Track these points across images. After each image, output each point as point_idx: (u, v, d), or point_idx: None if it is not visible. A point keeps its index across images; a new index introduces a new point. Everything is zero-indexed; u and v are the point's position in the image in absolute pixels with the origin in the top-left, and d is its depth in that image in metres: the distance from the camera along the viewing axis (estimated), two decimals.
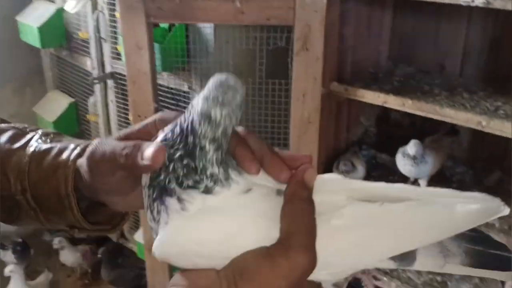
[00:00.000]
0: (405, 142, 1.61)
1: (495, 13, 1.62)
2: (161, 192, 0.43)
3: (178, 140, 0.43)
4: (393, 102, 1.52)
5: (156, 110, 1.62)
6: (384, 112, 1.99)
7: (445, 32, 1.78)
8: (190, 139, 0.42)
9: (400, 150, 1.61)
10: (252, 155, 0.44)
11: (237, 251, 0.42)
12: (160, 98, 1.69)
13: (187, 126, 0.42)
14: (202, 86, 1.73)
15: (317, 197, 0.44)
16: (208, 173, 0.42)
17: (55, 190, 0.52)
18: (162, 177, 0.43)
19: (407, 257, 0.44)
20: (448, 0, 1.33)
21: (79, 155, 0.53)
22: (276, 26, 1.53)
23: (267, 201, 0.44)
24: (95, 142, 0.49)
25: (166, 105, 1.81)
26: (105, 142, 0.48)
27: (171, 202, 0.43)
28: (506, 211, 0.41)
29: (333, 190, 0.45)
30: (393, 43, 1.88)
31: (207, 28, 1.64)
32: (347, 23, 1.62)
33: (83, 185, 0.52)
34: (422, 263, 0.44)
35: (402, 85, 1.68)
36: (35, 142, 0.56)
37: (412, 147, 1.57)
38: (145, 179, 0.45)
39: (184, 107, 1.83)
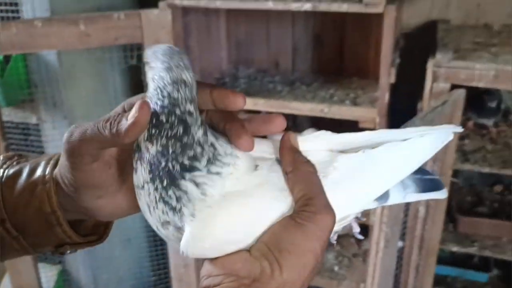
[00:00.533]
0: None
1: (315, 13, 1.86)
2: (171, 178, 0.42)
3: (164, 118, 0.42)
4: (247, 103, 1.64)
5: (7, 149, 1.50)
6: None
7: (275, 33, 1.96)
8: (176, 110, 0.42)
9: None
10: (245, 129, 0.45)
11: (264, 229, 0.43)
12: (9, 135, 1.56)
13: (166, 100, 0.42)
14: (53, 117, 1.65)
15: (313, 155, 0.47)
16: (206, 139, 0.43)
17: (38, 210, 0.50)
18: (163, 163, 0.42)
19: (384, 195, 0.48)
20: (281, 7, 1.48)
21: (54, 166, 0.50)
22: (125, 45, 1.53)
23: (276, 172, 0.45)
24: (70, 128, 0.46)
25: (16, 141, 1.67)
26: (81, 124, 0.46)
27: (189, 187, 0.42)
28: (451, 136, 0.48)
29: (315, 148, 0.48)
30: (231, 48, 2.02)
31: (50, 55, 1.56)
32: (190, 34, 1.70)
33: (64, 195, 0.49)
34: (392, 198, 0.49)
35: (249, 86, 1.82)
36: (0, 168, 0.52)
37: None
38: (141, 177, 0.44)
39: (36, 141, 1.72)
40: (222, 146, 0.44)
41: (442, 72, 1.37)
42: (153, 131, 0.42)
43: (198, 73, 1.79)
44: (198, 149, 0.43)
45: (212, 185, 0.43)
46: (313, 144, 0.48)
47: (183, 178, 0.42)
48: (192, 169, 0.42)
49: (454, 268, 1.92)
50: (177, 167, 0.42)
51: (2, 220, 0.50)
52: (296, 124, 2.04)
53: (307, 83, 1.84)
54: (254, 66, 2.01)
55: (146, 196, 0.44)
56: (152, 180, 0.43)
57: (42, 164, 0.51)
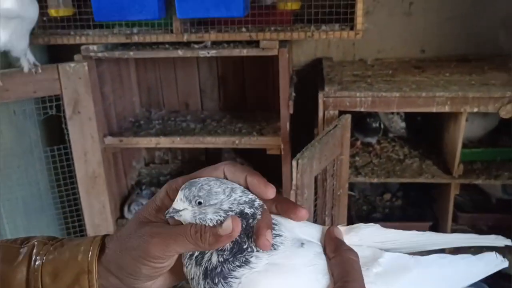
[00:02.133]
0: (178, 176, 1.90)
1: (218, 57, 2.07)
2: (225, 277, 0.48)
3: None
4: (164, 142, 1.79)
5: None
6: (150, 154, 2.26)
7: (182, 77, 2.14)
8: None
9: None
10: (294, 203, 0.52)
11: None
12: None
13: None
14: None
15: (357, 250, 0.50)
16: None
17: None
18: (219, 269, 0.48)
19: None
20: (189, 54, 1.67)
21: (97, 251, 0.53)
22: (43, 96, 1.62)
23: (321, 258, 0.49)
24: (148, 231, 0.50)
25: None
26: (157, 229, 0.50)
27: (239, 270, 0.48)
28: (505, 263, 0.52)
29: (365, 243, 0.52)
30: (143, 93, 2.16)
31: None
32: (105, 83, 1.82)
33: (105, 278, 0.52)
34: None
35: (163, 126, 1.96)
36: (37, 254, 0.53)
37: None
38: (192, 272, 0.50)
39: None
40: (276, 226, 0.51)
41: (330, 101, 1.63)
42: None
43: (114, 118, 1.91)
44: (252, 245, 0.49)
45: (258, 261, 0.48)
46: (358, 238, 0.53)
47: (234, 270, 0.48)
48: (244, 263, 0.48)
49: None
50: (230, 267, 0.48)
51: None
52: (208, 156, 2.22)
53: (217, 120, 2.03)
54: (165, 108, 2.17)
55: (195, 284, 0.50)
56: (205, 279, 0.49)
57: (82, 250, 0.53)
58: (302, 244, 0.50)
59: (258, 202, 0.51)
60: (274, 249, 0.49)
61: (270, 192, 0.51)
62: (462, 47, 2.00)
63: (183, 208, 0.51)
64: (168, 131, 1.90)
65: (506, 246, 0.53)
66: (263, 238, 0.47)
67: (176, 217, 0.51)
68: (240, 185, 0.52)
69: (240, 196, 0.51)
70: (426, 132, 1.97)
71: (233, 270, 0.48)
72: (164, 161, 2.26)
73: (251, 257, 0.48)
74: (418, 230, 0.53)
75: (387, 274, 0.49)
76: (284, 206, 0.52)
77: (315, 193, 1.53)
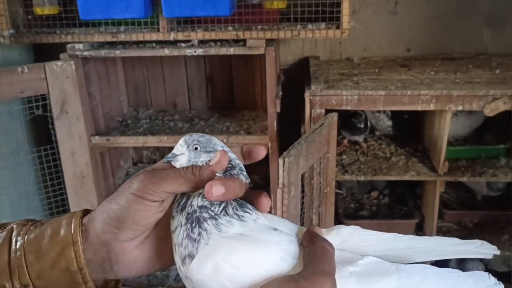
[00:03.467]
0: None
1: (205, 56, 2.07)
2: (199, 221, 0.49)
3: None
4: (152, 141, 1.79)
5: None
6: (138, 153, 2.25)
7: (170, 77, 2.14)
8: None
9: None
10: (265, 195, 0.53)
11: (264, 280, 0.45)
12: None
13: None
14: None
15: (337, 253, 0.49)
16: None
17: (65, 270, 0.51)
18: (198, 213, 0.50)
19: None
20: (176, 53, 1.67)
21: (79, 224, 0.53)
22: (29, 96, 1.61)
23: (293, 244, 0.49)
24: (143, 173, 0.52)
25: None
26: (153, 171, 0.53)
27: (210, 225, 0.49)
28: (500, 287, 0.48)
29: (346, 245, 0.51)
30: (130, 92, 2.15)
31: None
32: (91, 82, 1.81)
33: (88, 250, 0.52)
34: None
35: (151, 126, 1.96)
36: (17, 235, 0.52)
37: None
38: (176, 221, 0.51)
39: None
40: (249, 206, 0.52)
41: (317, 100, 1.64)
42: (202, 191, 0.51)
43: (101, 117, 1.90)
44: (230, 205, 0.51)
45: (230, 226, 0.49)
46: (339, 240, 0.52)
47: (206, 221, 0.50)
48: (216, 216, 0.50)
49: None
50: (207, 215, 0.50)
51: (26, 286, 0.50)
52: None
53: (205, 119, 2.03)
54: (153, 107, 2.17)
55: (175, 237, 0.51)
56: (185, 224, 0.50)
57: (64, 223, 0.53)
58: (276, 229, 0.50)
59: (246, 173, 0.53)
60: (245, 221, 0.50)
61: (261, 151, 0.56)
62: (447, 46, 2.02)
63: (181, 153, 0.54)
64: (155, 130, 1.90)
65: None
66: (263, 196, 0.52)
67: (173, 162, 0.54)
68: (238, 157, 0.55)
69: (235, 158, 0.54)
70: (412, 130, 1.99)
71: (207, 219, 0.49)
72: (152, 161, 2.25)
73: (224, 220, 0.50)
74: (405, 227, 0.52)
75: (363, 275, 0.47)
76: (247, 148, 0.56)
77: (302, 191, 1.54)
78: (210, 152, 0.53)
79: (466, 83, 1.67)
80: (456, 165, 1.78)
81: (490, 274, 0.49)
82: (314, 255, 0.47)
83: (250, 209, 0.52)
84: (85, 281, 0.52)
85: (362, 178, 1.78)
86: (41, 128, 1.74)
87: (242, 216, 0.50)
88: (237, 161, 0.54)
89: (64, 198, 1.77)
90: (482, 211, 1.96)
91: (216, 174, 0.52)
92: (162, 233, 0.55)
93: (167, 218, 0.53)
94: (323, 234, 0.51)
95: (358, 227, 0.53)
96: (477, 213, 1.96)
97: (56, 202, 1.80)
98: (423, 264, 0.49)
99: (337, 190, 2.04)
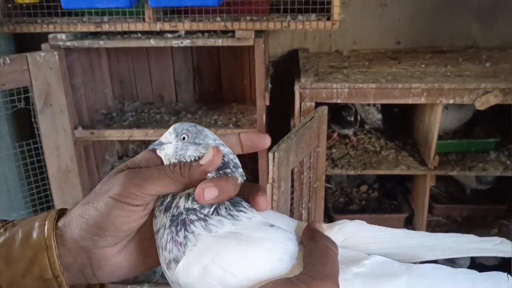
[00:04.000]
0: None
1: (193, 48, 2.03)
2: (184, 224, 0.45)
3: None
4: (138, 134, 1.75)
5: None
6: (123, 147, 2.21)
7: (156, 69, 2.10)
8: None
9: None
10: (262, 192, 0.48)
11: (259, 283, 0.41)
12: None
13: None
14: None
15: (341, 251, 0.44)
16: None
17: (39, 278, 0.46)
18: (184, 216, 0.45)
19: None
20: (162, 44, 1.63)
21: (53, 226, 0.47)
22: (11, 89, 1.56)
23: (292, 242, 0.45)
24: (125, 172, 0.46)
25: None
26: (135, 170, 0.47)
27: (197, 227, 0.45)
28: None
29: (350, 242, 0.47)
30: (115, 84, 2.10)
31: None
32: (75, 74, 1.76)
33: (65, 254, 0.47)
34: None
35: (136, 119, 1.92)
36: None
37: None
38: (159, 222, 0.46)
39: None
40: (244, 204, 0.48)
41: (307, 93, 1.61)
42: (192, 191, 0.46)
43: (85, 110, 1.85)
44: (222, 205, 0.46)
45: (220, 226, 0.45)
46: (342, 236, 0.47)
47: (193, 223, 0.45)
48: (206, 217, 0.45)
49: None
50: (194, 217, 0.45)
51: None
52: None
53: (192, 112, 1.99)
54: (139, 100, 2.12)
55: (158, 240, 0.46)
56: (170, 227, 0.45)
57: (36, 226, 0.47)
58: (272, 225, 0.46)
59: (241, 170, 0.49)
60: (239, 219, 0.46)
61: (267, 139, 0.49)
62: (437, 39, 2.00)
63: (168, 141, 0.49)
64: (141, 123, 1.86)
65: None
66: (259, 195, 0.47)
67: (158, 151, 0.49)
68: (234, 146, 0.50)
69: (229, 153, 0.48)
70: (402, 123, 1.97)
71: (195, 221, 0.45)
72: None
73: (214, 220, 0.45)
74: (394, 221, 0.48)
75: (370, 277, 0.43)
76: (248, 135, 0.50)
77: (292, 186, 1.51)
78: (199, 145, 0.48)
79: (457, 76, 1.65)
80: (446, 159, 1.77)
81: (509, 275, 0.44)
82: (315, 255, 0.42)
83: (245, 207, 0.47)
84: None
85: (352, 172, 1.76)
86: (23, 121, 1.68)
87: (237, 216, 0.46)
88: (231, 156, 0.48)
89: (48, 194, 1.72)
90: (471, 205, 1.95)
91: (208, 174, 0.47)
92: (147, 234, 0.50)
93: (150, 217, 0.49)
94: (325, 230, 0.47)
95: (363, 222, 0.48)
96: (466, 207, 1.96)
97: (40, 199, 1.75)
98: (436, 264, 0.44)
99: (327, 184, 2.02)
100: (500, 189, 1.94)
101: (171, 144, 0.48)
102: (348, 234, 0.47)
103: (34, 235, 0.47)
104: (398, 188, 2.04)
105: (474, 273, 0.45)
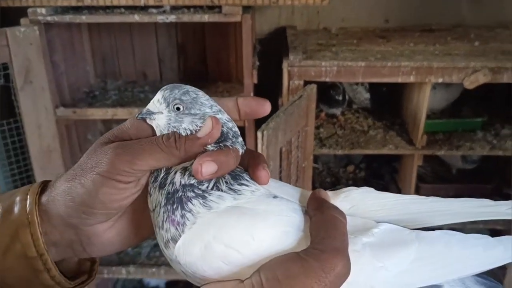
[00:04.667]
0: None
1: (177, 24, 1.98)
2: (181, 202, 0.42)
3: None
4: (121, 113, 1.70)
5: None
6: (106, 126, 2.16)
7: (140, 45, 2.04)
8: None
9: None
10: (263, 164, 0.45)
11: (264, 259, 0.39)
12: None
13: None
14: None
15: (348, 220, 0.42)
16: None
17: (21, 256, 0.43)
18: (181, 193, 0.43)
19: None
20: (146, 19, 1.57)
21: (35, 200, 0.44)
22: None
23: (297, 214, 0.42)
24: (112, 146, 0.43)
25: None
26: (122, 143, 0.43)
27: (196, 204, 0.42)
28: None
29: (357, 210, 0.45)
30: (97, 62, 2.04)
31: None
32: (55, 50, 1.70)
33: (50, 227, 0.44)
34: None
35: (119, 97, 1.87)
36: None
37: None
38: (154, 200, 0.44)
39: None
40: (245, 176, 0.45)
41: (295, 71, 1.58)
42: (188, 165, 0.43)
43: (66, 88, 1.80)
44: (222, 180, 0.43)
45: (221, 201, 0.42)
46: (349, 204, 0.45)
47: (190, 201, 0.42)
48: (204, 194, 0.43)
49: None
50: (192, 194, 0.43)
51: None
52: None
53: None
54: (122, 78, 2.06)
55: (155, 218, 0.44)
56: (165, 205, 0.43)
57: (17, 200, 0.45)
58: (275, 197, 0.43)
59: (241, 139, 0.45)
60: (241, 194, 0.43)
61: (267, 105, 0.46)
62: (426, 17, 1.98)
63: (158, 111, 0.44)
64: (125, 102, 1.81)
65: None
66: (261, 168, 0.44)
67: (148, 120, 0.45)
68: (231, 111, 0.46)
69: (228, 120, 0.45)
70: (390, 103, 1.96)
71: (192, 199, 0.42)
72: None
73: (214, 196, 0.42)
74: None
75: (379, 247, 0.41)
76: (246, 100, 0.47)
77: (280, 165, 1.49)
78: (195, 115, 0.44)
79: (446, 55, 1.64)
80: (433, 139, 1.77)
81: None
82: (323, 227, 0.40)
83: (247, 180, 0.44)
84: (47, 268, 0.44)
85: (339, 152, 1.75)
86: (3, 100, 1.62)
87: (238, 191, 0.43)
88: (230, 124, 0.45)
89: (30, 175, 1.67)
90: (457, 184, 1.96)
91: (206, 148, 0.43)
92: (139, 207, 0.47)
93: (144, 191, 0.46)
94: (330, 198, 0.45)
95: (371, 189, 0.46)
96: (452, 187, 1.96)
97: (22, 180, 1.70)
98: (446, 230, 0.43)
99: (314, 164, 2.01)
100: (486, 168, 1.95)
101: (162, 115, 0.44)
102: (355, 201, 0.46)
103: (15, 210, 0.44)
104: (385, 168, 2.04)
105: (485, 237, 0.43)
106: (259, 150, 1.26)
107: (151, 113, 0.45)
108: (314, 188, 1.83)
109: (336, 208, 0.43)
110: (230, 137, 0.45)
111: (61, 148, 1.66)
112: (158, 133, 0.45)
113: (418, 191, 1.92)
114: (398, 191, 1.91)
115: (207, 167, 0.41)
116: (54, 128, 1.59)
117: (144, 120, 0.45)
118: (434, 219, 0.45)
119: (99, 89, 1.96)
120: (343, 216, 0.42)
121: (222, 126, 0.44)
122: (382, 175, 2.01)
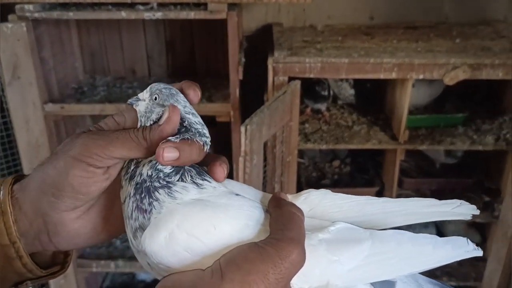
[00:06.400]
0: None
1: (165, 21, 2.00)
2: (148, 191, 0.45)
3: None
4: (110, 109, 1.72)
5: None
6: (95, 122, 2.17)
7: (128, 42, 2.06)
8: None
9: None
10: (222, 162, 0.48)
11: (225, 248, 0.41)
12: None
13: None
14: None
15: (306, 221, 0.45)
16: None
17: None
18: (148, 183, 0.45)
19: (387, 283, 0.46)
20: (133, 16, 1.60)
21: (9, 190, 0.47)
22: None
23: (257, 210, 0.45)
24: (85, 134, 0.46)
25: None
26: (97, 132, 0.46)
27: (162, 194, 0.45)
28: (479, 252, 0.46)
29: (316, 212, 0.48)
30: (86, 58, 2.06)
31: None
32: (43, 46, 1.72)
33: (22, 220, 0.46)
34: None
35: (108, 93, 1.89)
36: None
37: None
38: (126, 192, 0.46)
39: None
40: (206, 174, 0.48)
41: (280, 67, 1.61)
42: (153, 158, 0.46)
43: (55, 84, 1.81)
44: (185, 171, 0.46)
45: (185, 192, 0.45)
46: (308, 206, 0.48)
47: (157, 190, 0.45)
48: (169, 184, 0.45)
49: None
50: (158, 184, 0.45)
51: None
52: None
53: None
54: (111, 74, 2.08)
55: (125, 209, 0.46)
56: (134, 195, 0.45)
57: None
58: (237, 195, 0.46)
59: (208, 140, 0.49)
60: (204, 188, 0.46)
61: (192, 94, 0.49)
62: (410, 15, 2.02)
63: (143, 98, 0.49)
64: (113, 98, 1.83)
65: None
66: (218, 165, 0.47)
67: (134, 106, 0.49)
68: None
69: (197, 122, 0.48)
70: (374, 99, 2.00)
71: (159, 188, 0.45)
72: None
73: (179, 187, 0.45)
74: (366, 194, 0.48)
75: (335, 242, 0.44)
76: (186, 84, 0.50)
77: (265, 159, 1.52)
78: (164, 107, 0.48)
79: (427, 52, 1.68)
80: (416, 134, 1.81)
81: (468, 239, 0.47)
82: (281, 220, 0.43)
83: (210, 178, 0.47)
84: (19, 256, 0.46)
85: (324, 147, 1.78)
86: None
87: (201, 185, 0.46)
88: (199, 126, 0.48)
89: (18, 169, 1.69)
90: (439, 178, 2.00)
91: (169, 138, 0.46)
92: (108, 202, 0.50)
93: (114, 185, 0.48)
94: (290, 200, 0.48)
95: (328, 191, 0.49)
96: (435, 181, 2.00)
97: (10, 174, 1.72)
98: (399, 230, 0.46)
99: (299, 159, 2.04)
100: (468, 163, 1.99)
101: (144, 102, 0.49)
102: (313, 203, 0.49)
103: None
104: (369, 163, 2.07)
105: (434, 237, 0.46)
106: (243, 144, 1.29)
107: (138, 99, 0.50)
108: (299, 183, 1.86)
109: (293, 204, 0.45)
110: (194, 132, 0.47)
111: (50, 143, 1.68)
112: (139, 118, 0.49)
113: (401, 185, 1.96)
114: (382, 185, 1.95)
115: (168, 152, 0.44)
116: (42, 124, 1.61)
117: (131, 105, 0.50)
118: (388, 221, 0.48)
119: (87, 85, 1.98)
120: (301, 212, 0.45)
121: (184, 121, 0.47)
122: (367, 169, 2.05)
